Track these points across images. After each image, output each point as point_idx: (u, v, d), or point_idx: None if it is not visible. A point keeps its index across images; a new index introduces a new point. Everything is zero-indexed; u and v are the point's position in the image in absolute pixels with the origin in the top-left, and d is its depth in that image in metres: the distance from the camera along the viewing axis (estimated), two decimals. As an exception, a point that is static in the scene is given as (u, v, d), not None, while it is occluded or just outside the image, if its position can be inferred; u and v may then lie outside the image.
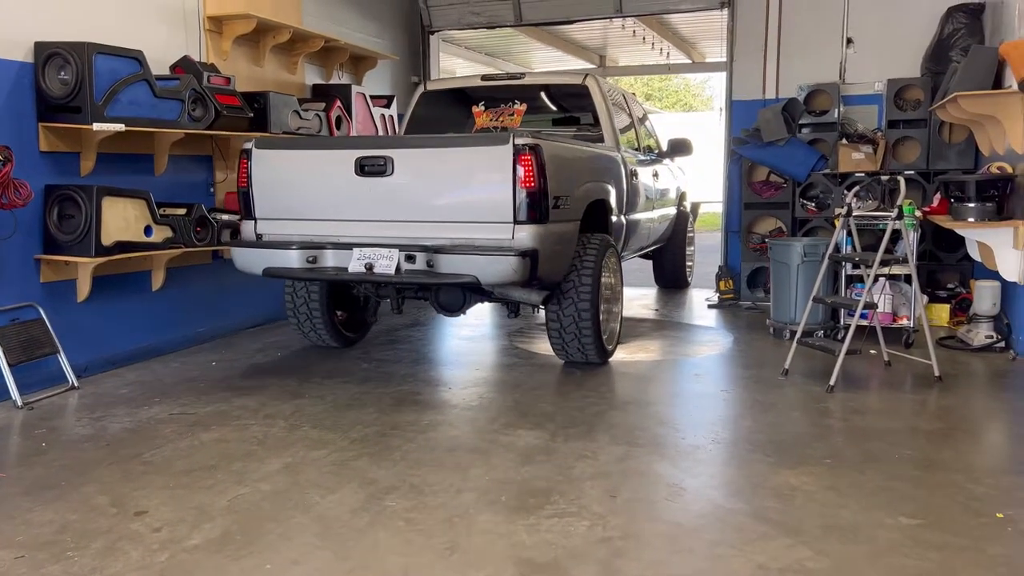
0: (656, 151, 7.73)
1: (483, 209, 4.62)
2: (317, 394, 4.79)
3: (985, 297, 5.68)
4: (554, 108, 7.26)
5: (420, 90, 6.92)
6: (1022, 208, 5.48)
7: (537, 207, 4.56)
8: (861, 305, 4.75)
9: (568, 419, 4.25)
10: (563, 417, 4.29)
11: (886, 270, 5.75)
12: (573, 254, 5.08)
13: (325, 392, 4.83)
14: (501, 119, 6.63)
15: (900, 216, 4.78)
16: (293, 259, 4.86)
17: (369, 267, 4.70)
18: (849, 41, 7.81)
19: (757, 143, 7.67)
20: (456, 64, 17.16)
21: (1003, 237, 5.54)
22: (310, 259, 4.85)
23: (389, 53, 8.41)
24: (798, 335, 5.13)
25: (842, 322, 6.05)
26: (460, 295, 5.16)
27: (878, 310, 5.67)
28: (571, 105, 7.11)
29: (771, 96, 8.09)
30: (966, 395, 4.74)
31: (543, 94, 7.09)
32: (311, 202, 4.97)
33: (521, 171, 4.51)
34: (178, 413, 4.42)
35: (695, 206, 9.64)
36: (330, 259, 4.87)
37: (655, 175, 7.43)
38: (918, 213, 5.94)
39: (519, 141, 4.53)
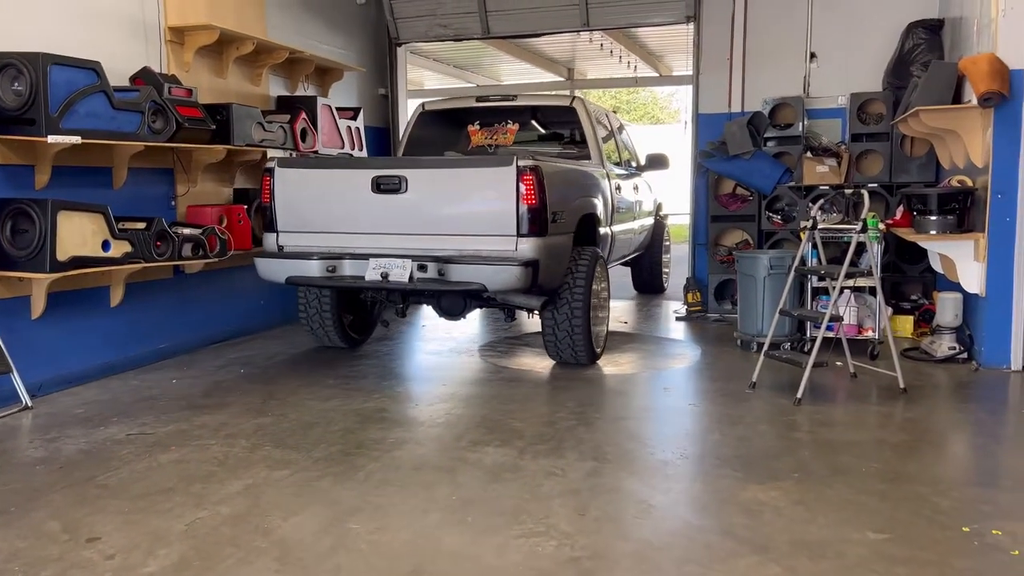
0: (635, 165, 8.23)
1: (489, 223, 5.07)
2: (280, 412, 4.69)
3: (947, 309, 5.75)
4: (544, 127, 7.81)
5: (418, 110, 7.31)
6: (982, 221, 5.56)
7: (537, 221, 5.03)
8: (827, 317, 4.77)
9: (537, 435, 4.20)
10: (532, 433, 4.24)
11: (851, 282, 5.81)
12: (568, 263, 5.51)
13: (288, 410, 4.73)
14: (495, 137, 7.06)
15: (864, 229, 4.82)
16: (314, 268, 5.30)
17: (385, 276, 5.15)
18: (812, 56, 7.90)
19: (723, 156, 7.72)
20: (424, 76, 17.16)
21: (964, 249, 5.62)
22: (330, 268, 5.30)
23: (356, 65, 8.35)
24: (765, 347, 5.14)
25: (808, 334, 6.08)
26: (461, 301, 5.65)
27: (844, 322, 5.70)
28: (559, 124, 7.72)
29: (736, 110, 8.16)
30: (930, 407, 4.77)
31: (534, 114, 7.63)
32: (330, 216, 5.41)
33: (523, 189, 4.98)
34: (136, 433, 4.30)
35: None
36: (348, 268, 5.31)
37: (635, 188, 7.88)
38: (882, 226, 6.00)
39: (522, 163, 5.00)
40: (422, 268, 5.10)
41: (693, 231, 8.32)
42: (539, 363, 5.90)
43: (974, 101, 5.43)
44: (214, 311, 6.59)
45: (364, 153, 8.10)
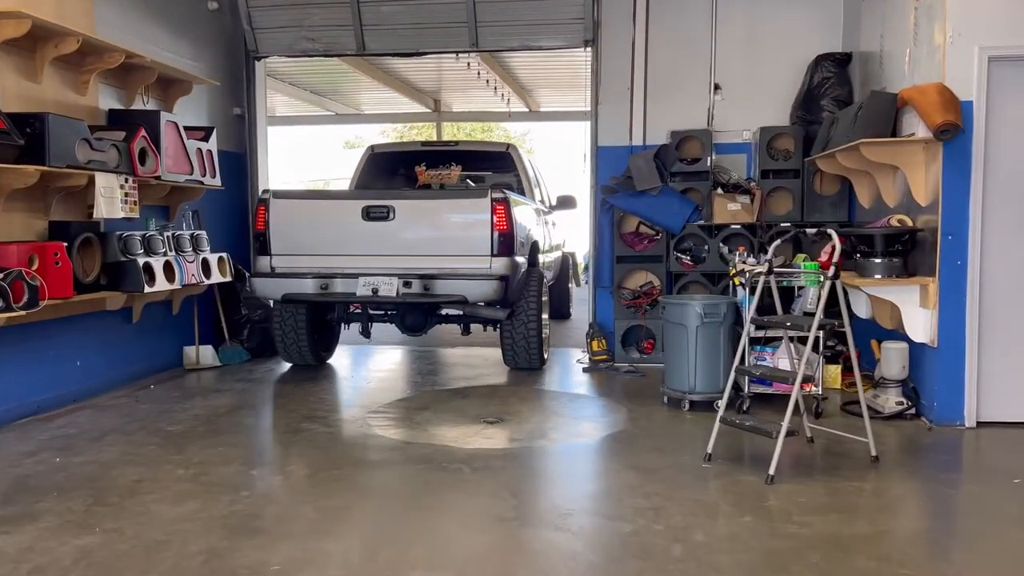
0: (548, 204, 9.18)
1: (466, 245, 6.00)
2: (114, 525, 3.43)
3: (894, 360, 5.25)
4: (481, 168, 8.62)
5: (367, 152, 8.52)
6: (927, 264, 5.13)
7: (507, 244, 6.02)
8: (800, 377, 4.07)
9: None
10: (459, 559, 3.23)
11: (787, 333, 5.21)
12: (525, 282, 6.47)
13: (126, 520, 3.48)
14: (441, 177, 7.97)
15: (837, 275, 4.18)
16: (309, 286, 6.11)
17: (375, 291, 5.96)
18: (717, 87, 7.45)
19: (628, 192, 7.08)
20: (277, 101, 15.83)
21: (911, 295, 5.16)
22: (323, 286, 6.08)
23: (207, 78, 7.10)
24: (720, 412, 4.39)
25: (747, 390, 5.43)
26: (423, 317, 6.60)
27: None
28: (496, 167, 8.62)
29: (638, 143, 7.56)
30: (916, 481, 4.17)
31: (473, 158, 8.55)
32: (322, 241, 6.19)
33: (496, 217, 5.97)
34: None
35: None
36: (340, 286, 6.11)
37: (553, 224, 9.09)
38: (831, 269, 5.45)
39: (495, 195, 6.03)
40: (407, 284, 5.96)
41: (596, 272, 7.60)
42: (448, 432, 4.89)
43: (919, 134, 5.01)
44: (20, 377, 5.15)
45: (217, 181, 6.85)
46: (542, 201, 8.74)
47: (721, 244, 7.06)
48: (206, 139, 6.75)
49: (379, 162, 8.43)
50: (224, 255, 6.91)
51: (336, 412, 5.59)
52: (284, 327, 6.72)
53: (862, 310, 5.94)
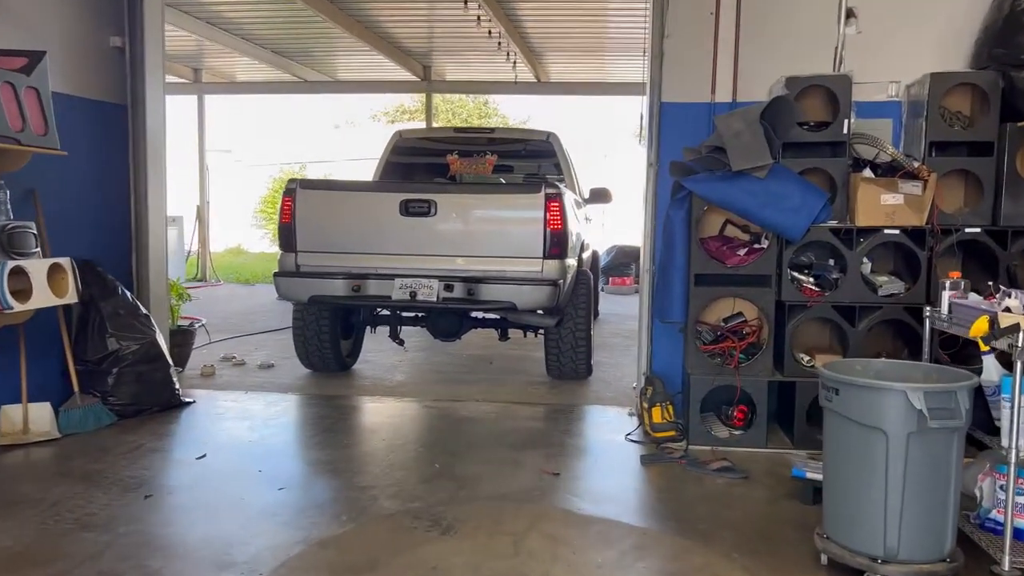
0: (582, 198, 7.86)
1: (516, 246, 5.37)
2: None
3: None
4: (520, 158, 7.72)
5: (394, 138, 7.58)
6: None
7: (560, 245, 5.37)
8: None
9: None
10: None
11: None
12: (574, 285, 5.81)
13: None
14: (475, 167, 7.22)
15: None
16: (339, 287, 5.42)
17: (413, 295, 5.31)
18: (850, 14, 4.78)
19: (715, 172, 4.43)
20: (237, 65, 13.15)
21: None
22: (355, 288, 5.41)
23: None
24: None
25: (1004, 563, 2.78)
26: (458, 321, 6.00)
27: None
28: (535, 157, 7.70)
29: (724, 99, 4.93)
30: None
31: (510, 146, 7.67)
32: (354, 237, 5.53)
33: (549, 215, 5.32)
34: None
35: None
36: (373, 288, 5.43)
37: (588, 219, 7.89)
38: None
39: (549, 190, 5.38)
40: (448, 288, 5.30)
41: (656, 297, 4.92)
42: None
43: None
44: None
45: (52, 140, 4.18)
46: (579, 194, 7.73)
47: (865, 260, 4.43)
48: (27, 72, 4.08)
49: (407, 149, 7.59)
50: (64, 260, 4.28)
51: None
52: (306, 332, 6.11)
53: None
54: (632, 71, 11.91)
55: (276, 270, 5.65)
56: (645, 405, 4.67)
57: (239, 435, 4.69)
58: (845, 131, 4.44)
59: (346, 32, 9.77)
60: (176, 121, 13.74)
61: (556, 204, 5.30)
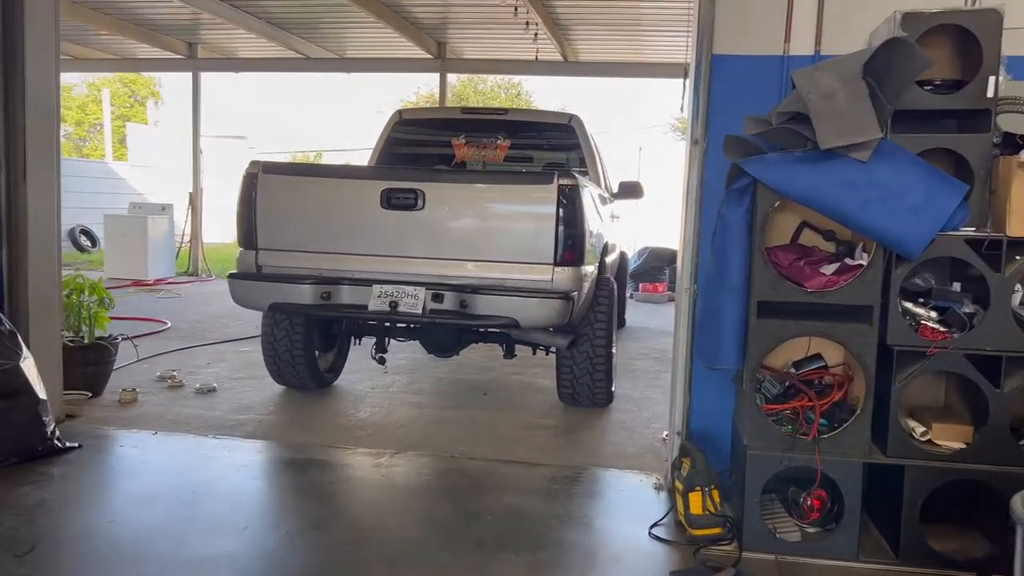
0: (610, 192, 6.91)
1: (520, 249, 4.44)
2: None
3: None
4: (537, 145, 6.77)
5: (395, 118, 6.64)
6: None
7: (575, 248, 4.43)
8: None
9: None
10: None
11: None
12: (593, 296, 4.92)
13: None
14: (484, 153, 6.46)
15: None
16: (306, 294, 4.53)
17: (393, 305, 4.43)
18: (990, -71, 3.31)
19: (792, 152, 3.01)
20: (237, 41, 11.99)
21: None
22: (324, 295, 4.54)
23: None
24: None
25: None
26: (455, 335, 5.06)
27: None
28: (554, 143, 6.68)
29: (803, 52, 3.50)
30: None
31: (526, 131, 6.67)
32: (326, 234, 4.66)
33: (562, 211, 4.36)
34: None
35: None
36: (346, 296, 4.57)
37: (614, 217, 6.79)
38: None
39: (563, 181, 4.40)
40: (437, 298, 4.40)
41: (699, 328, 3.47)
42: None
43: None
44: None
45: None
46: (606, 188, 6.74)
47: (1018, 287, 2.97)
48: None
49: (407, 132, 6.63)
50: None
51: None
52: (276, 344, 5.20)
53: None
54: (672, 49, 10.50)
55: (232, 271, 4.79)
56: (680, 486, 3.26)
57: (99, 515, 3.34)
58: (990, 94, 2.97)
59: (362, 7, 8.55)
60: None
61: (572, 198, 4.36)
